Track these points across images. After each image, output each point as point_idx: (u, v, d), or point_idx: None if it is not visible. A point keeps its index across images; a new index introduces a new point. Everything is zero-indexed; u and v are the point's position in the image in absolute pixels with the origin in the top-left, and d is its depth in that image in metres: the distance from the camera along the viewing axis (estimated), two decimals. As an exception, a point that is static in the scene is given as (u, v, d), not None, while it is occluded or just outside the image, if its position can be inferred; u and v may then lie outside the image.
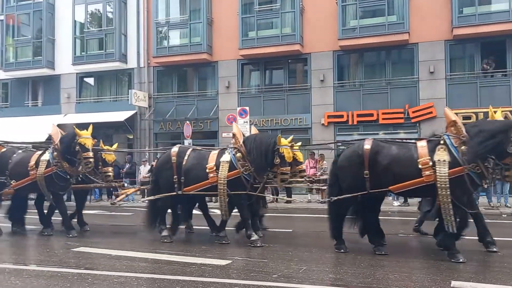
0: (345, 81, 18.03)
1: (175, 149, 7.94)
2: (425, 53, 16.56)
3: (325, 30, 17.54)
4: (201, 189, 7.60)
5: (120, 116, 19.06)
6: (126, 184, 9.50)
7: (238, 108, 16.93)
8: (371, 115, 16.89)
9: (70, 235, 8.45)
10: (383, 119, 16.82)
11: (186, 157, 7.75)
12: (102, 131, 18.29)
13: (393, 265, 6.00)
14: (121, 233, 9.30)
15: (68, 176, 8.54)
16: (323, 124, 17.56)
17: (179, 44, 19.53)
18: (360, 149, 6.61)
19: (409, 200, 13.78)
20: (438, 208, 6.18)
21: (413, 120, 16.51)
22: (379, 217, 7.17)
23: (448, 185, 5.90)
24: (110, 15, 20.60)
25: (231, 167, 7.36)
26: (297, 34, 17.64)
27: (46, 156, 8.60)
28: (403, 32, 16.32)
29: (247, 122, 16.25)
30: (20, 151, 9.15)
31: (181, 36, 19.66)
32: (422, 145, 6.34)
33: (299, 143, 8.77)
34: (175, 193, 7.72)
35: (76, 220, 9.53)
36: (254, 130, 8.61)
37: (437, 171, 5.98)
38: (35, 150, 9.27)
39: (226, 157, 7.48)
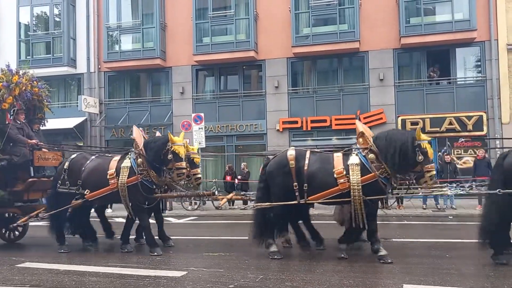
0: (299, 87, 18.29)
1: (291, 152, 6.95)
2: (375, 61, 17.11)
3: (279, 37, 17.75)
4: (329, 197, 6.68)
5: (69, 122, 18.38)
6: (216, 192, 8.80)
7: (193, 114, 16.75)
8: (325, 121, 17.23)
9: (155, 253, 7.35)
10: (336, 124, 17.19)
11: (306, 161, 6.79)
12: (51, 138, 17.50)
13: (348, 270, 6.10)
14: (70, 246, 8.86)
15: (154, 186, 7.60)
16: (278, 130, 17.72)
17: (131, 49, 19.11)
18: None
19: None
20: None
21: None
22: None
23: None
24: (57, 18, 19.85)
25: (364, 170, 6.53)
26: (252, 41, 17.73)
27: (128, 162, 7.57)
28: (354, 41, 16.79)
29: (202, 128, 16.11)
30: (93, 157, 8.14)
31: (134, 41, 19.25)
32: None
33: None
34: (296, 202, 6.76)
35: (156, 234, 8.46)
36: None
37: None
38: (109, 156, 8.31)
39: (355, 159, 6.63)
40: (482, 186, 8.15)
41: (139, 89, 20.36)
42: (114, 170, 7.57)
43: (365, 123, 16.82)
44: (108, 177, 7.57)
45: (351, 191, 6.45)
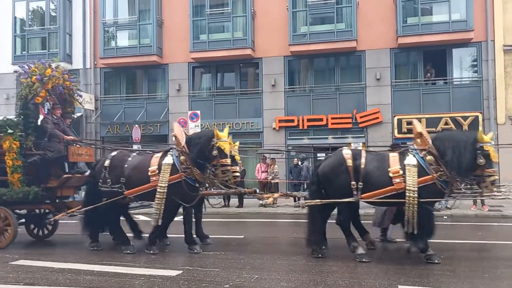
0: (295, 86, 18.27)
1: (347, 151, 6.86)
2: (372, 60, 17.12)
3: (276, 35, 17.72)
4: (382, 196, 6.57)
5: (64, 118, 18.23)
6: (258, 190, 8.73)
7: (189, 112, 16.71)
8: (321, 119, 17.24)
9: (195, 251, 7.31)
10: (332, 123, 17.19)
11: (363, 160, 6.67)
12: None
13: (343, 270, 6.11)
14: (64, 244, 8.84)
15: (197, 184, 7.37)
16: (274, 128, 17.71)
17: (127, 45, 19.01)
18: None
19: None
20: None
21: (360, 125, 17.00)
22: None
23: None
24: (53, 13, 19.71)
25: (421, 171, 6.39)
26: (249, 39, 17.68)
27: (170, 159, 7.29)
28: (351, 40, 16.78)
29: (198, 126, 16.08)
30: (134, 153, 7.89)
31: (130, 37, 19.16)
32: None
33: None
34: (351, 199, 6.66)
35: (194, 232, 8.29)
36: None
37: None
38: (150, 152, 8.02)
39: (411, 159, 6.47)
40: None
41: (135, 85, 20.27)
42: (156, 167, 7.31)
43: (362, 122, 16.96)
44: (149, 174, 7.32)
45: (406, 192, 6.32)
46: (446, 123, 16.11)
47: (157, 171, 7.27)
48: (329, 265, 6.38)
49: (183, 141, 7.33)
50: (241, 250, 7.58)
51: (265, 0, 17.99)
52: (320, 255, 6.80)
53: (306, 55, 17.71)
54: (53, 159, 8.05)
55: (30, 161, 7.95)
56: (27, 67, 8.18)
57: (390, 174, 6.48)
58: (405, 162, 6.48)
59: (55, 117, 8.34)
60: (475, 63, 16.76)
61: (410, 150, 6.72)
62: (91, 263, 6.73)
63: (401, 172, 6.43)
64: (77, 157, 8.48)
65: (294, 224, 11.16)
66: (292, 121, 17.53)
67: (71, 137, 8.43)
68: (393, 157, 6.66)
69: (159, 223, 7.30)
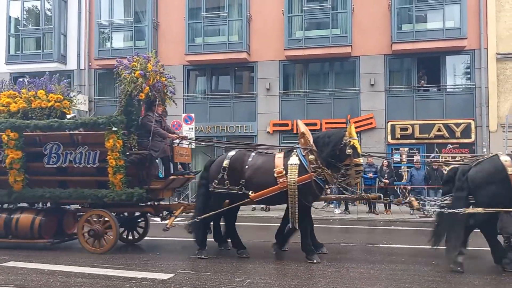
0: (290, 90, 18.32)
1: (506, 157, 6.41)
2: (366, 66, 17.20)
3: (272, 40, 17.77)
4: None
5: (58, 119, 18.14)
6: (382, 196, 8.12)
7: (184, 115, 16.68)
8: (315, 124, 17.24)
9: (314, 261, 6.80)
10: (326, 128, 17.19)
11: None
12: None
13: (335, 275, 6.12)
14: (56, 246, 8.78)
15: (326, 186, 7.06)
16: (268, 132, 17.73)
17: (122, 47, 18.95)
18: None
19: (350, 208, 14.23)
20: None
21: (355, 130, 17.01)
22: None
23: None
24: (48, 12, 19.64)
25: None
26: (244, 42, 17.72)
27: (296, 159, 6.93)
28: (346, 45, 16.86)
29: (192, 128, 16.06)
30: (253, 153, 7.41)
31: (125, 39, 19.13)
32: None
33: None
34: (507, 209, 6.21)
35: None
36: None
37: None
38: (269, 153, 7.55)
39: None
40: None
41: (130, 87, 20.18)
42: (283, 167, 6.93)
43: (355, 128, 16.91)
44: (275, 175, 6.92)
45: None
46: (439, 130, 16.21)
47: (283, 172, 6.90)
48: (321, 270, 6.40)
49: (311, 140, 7.05)
50: (233, 254, 7.57)
51: (261, 4, 18.05)
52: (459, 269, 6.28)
53: (301, 60, 17.77)
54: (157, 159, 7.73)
55: (129, 161, 7.54)
56: (127, 61, 7.77)
57: None
58: None
59: (157, 115, 7.84)
60: (468, 70, 16.90)
61: None
62: (82, 266, 6.69)
63: None
64: (179, 158, 8.18)
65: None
66: (286, 125, 17.56)
67: (175, 135, 8.10)
68: None
69: (297, 227, 6.91)
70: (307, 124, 16.98)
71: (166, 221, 7.77)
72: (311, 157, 6.91)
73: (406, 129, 16.47)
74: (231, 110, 18.38)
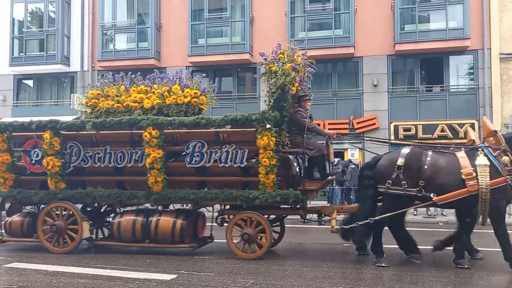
0: (293, 91, 18.27)
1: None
2: (369, 67, 17.17)
3: (274, 41, 17.48)
4: None
5: (61, 121, 18.19)
6: None
7: (186, 116, 16.68)
8: (318, 125, 17.11)
9: (465, 266, 6.43)
10: (329, 129, 17.15)
11: None
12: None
13: (338, 276, 6.10)
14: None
15: None
16: (270, 133, 17.68)
17: (126, 48, 19.00)
18: None
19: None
20: None
21: (357, 131, 17.02)
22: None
23: None
24: (52, 14, 19.71)
25: None
26: (247, 43, 17.72)
27: (485, 159, 6.37)
28: (349, 46, 16.85)
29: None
30: (430, 152, 6.72)
31: (128, 41, 19.16)
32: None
33: None
34: None
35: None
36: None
37: None
38: (448, 151, 6.79)
39: None
40: None
41: (133, 88, 20.23)
42: (472, 168, 6.33)
43: (358, 128, 16.98)
44: (463, 177, 6.31)
45: None
46: (442, 130, 16.17)
47: (474, 174, 6.30)
48: (324, 271, 6.38)
49: (502, 139, 6.53)
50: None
51: (264, 5, 18.05)
52: None
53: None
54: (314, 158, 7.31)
55: (282, 160, 7.08)
56: (274, 54, 7.39)
57: None
58: None
59: (305, 110, 7.46)
60: (472, 70, 16.84)
61: None
62: (85, 266, 6.70)
63: None
64: (331, 156, 7.80)
65: (290, 229, 11.12)
66: (289, 126, 17.53)
67: (332, 131, 7.70)
68: None
69: (500, 233, 6.40)
70: (310, 125, 17.20)
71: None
72: (506, 158, 6.35)
73: (409, 129, 16.43)
74: (234, 111, 18.30)
